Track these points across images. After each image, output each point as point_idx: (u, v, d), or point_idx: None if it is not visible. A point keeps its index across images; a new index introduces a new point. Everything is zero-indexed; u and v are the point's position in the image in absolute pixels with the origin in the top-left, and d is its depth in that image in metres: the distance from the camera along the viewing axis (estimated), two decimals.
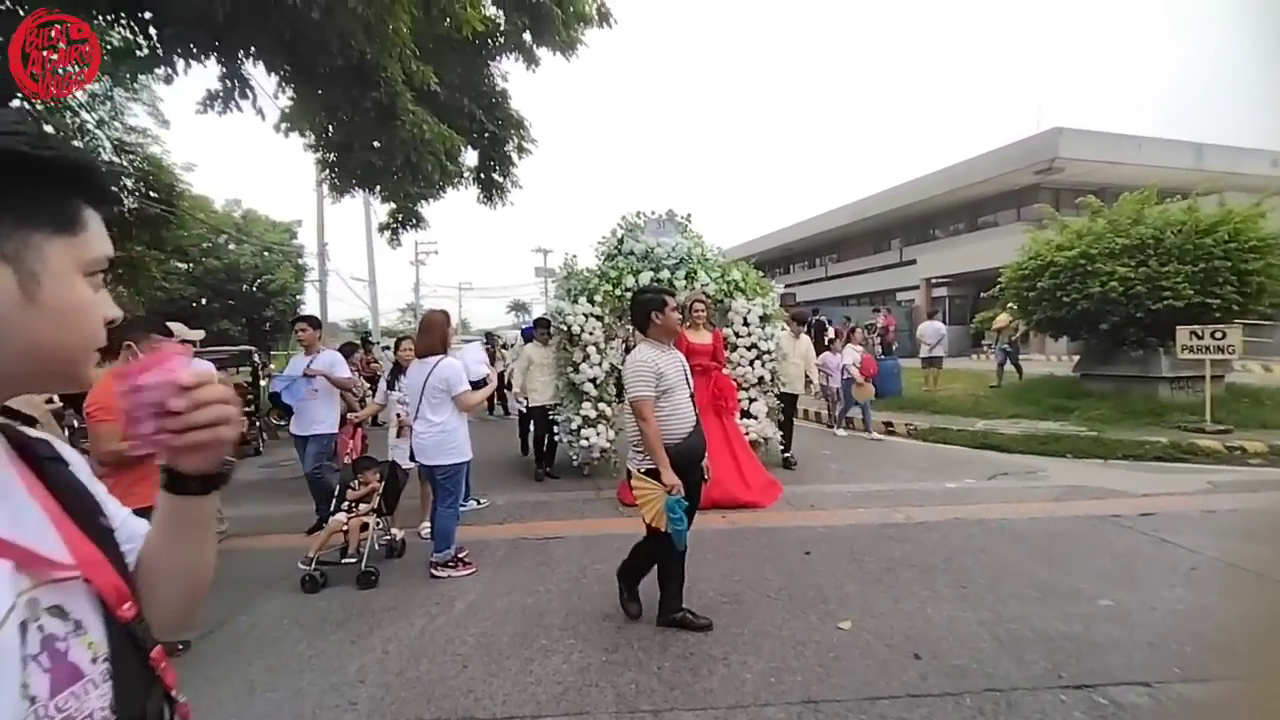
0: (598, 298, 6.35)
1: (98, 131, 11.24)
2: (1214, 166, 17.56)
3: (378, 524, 4.26)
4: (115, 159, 11.33)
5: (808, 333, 7.83)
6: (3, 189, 0.57)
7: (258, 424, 9.35)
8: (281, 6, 5.45)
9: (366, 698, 2.66)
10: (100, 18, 5.84)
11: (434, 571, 4.01)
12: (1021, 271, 10.35)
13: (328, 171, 9.73)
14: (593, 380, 6.28)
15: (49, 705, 0.53)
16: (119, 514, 0.75)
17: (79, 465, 0.73)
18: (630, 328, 6.56)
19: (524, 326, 10.32)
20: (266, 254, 23.51)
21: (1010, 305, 11.49)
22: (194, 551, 0.74)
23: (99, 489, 0.74)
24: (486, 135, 9.79)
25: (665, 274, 6.45)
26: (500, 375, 9.33)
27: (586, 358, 6.27)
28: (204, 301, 21.51)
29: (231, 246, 22.65)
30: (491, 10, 8.24)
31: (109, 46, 6.48)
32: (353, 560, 3.97)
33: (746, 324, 6.47)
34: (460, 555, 4.11)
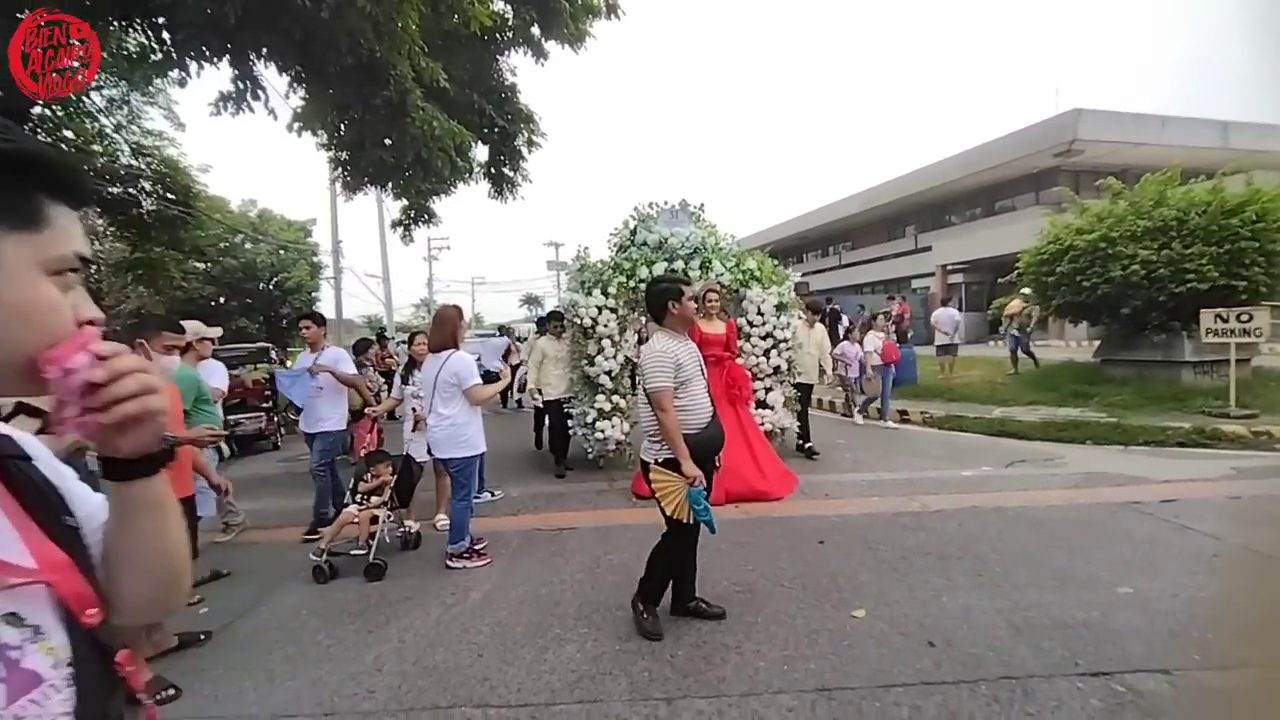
0: (611, 289, 6.30)
1: (116, 135, 11.45)
2: (1241, 145, 17.08)
3: (389, 517, 4.32)
4: (133, 162, 11.54)
5: (822, 321, 7.78)
6: None
7: (275, 419, 9.50)
8: (291, 7, 5.50)
9: (384, 686, 2.71)
10: (115, 23, 5.94)
11: (449, 563, 4.06)
12: (1040, 256, 10.15)
13: (340, 170, 9.84)
14: (608, 373, 6.26)
15: (4, 713, 0.52)
16: (87, 504, 0.71)
17: (44, 459, 0.70)
18: (644, 319, 6.56)
19: (539, 318, 10.35)
20: (282, 252, 23.82)
21: (1023, 290, 11.29)
22: (154, 536, 0.70)
23: (67, 482, 0.71)
24: (496, 130, 9.82)
25: (679, 264, 6.42)
26: (514, 369, 9.38)
27: (601, 350, 6.25)
28: (222, 300, 21.88)
29: (248, 246, 22.97)
30: (499, 5, 8.25)
31: (125, 52, 6.59)
32: (362, 552, 4.04)
33: (761, 313, 6.42)
34: (477, 547, 4.16)
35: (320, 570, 3.96)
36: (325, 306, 23.06)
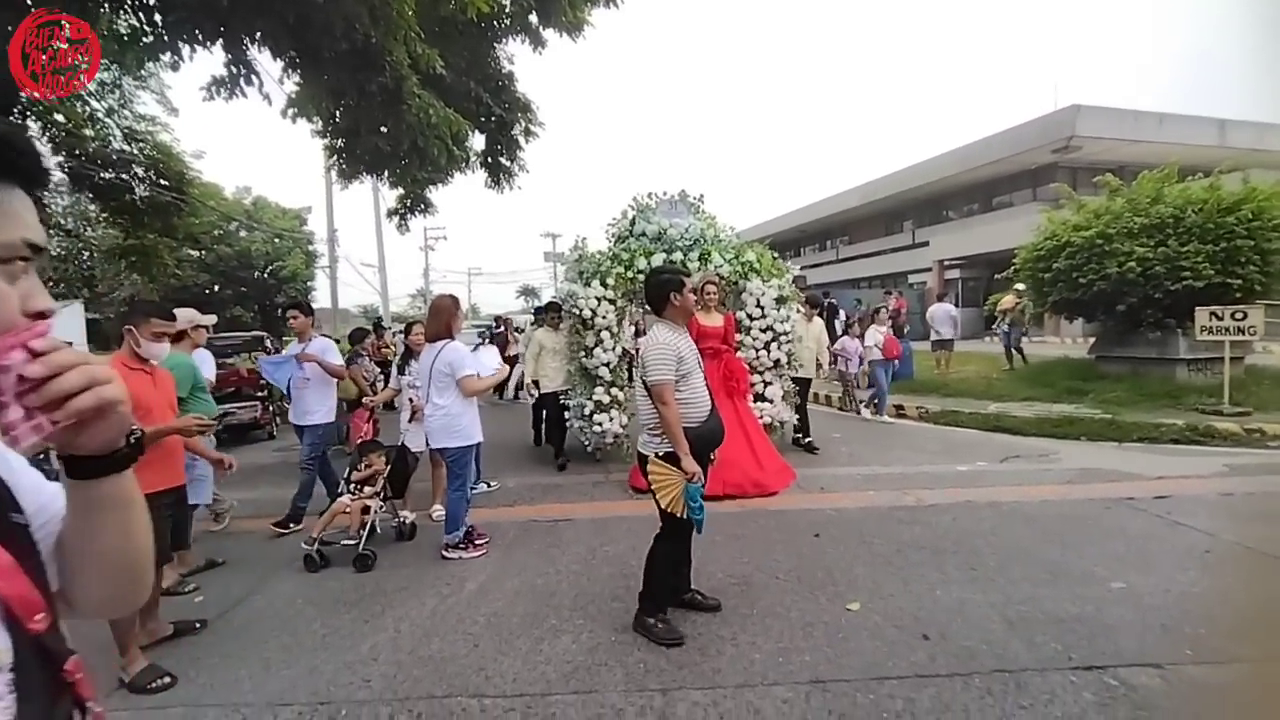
0: (610, 280, 6.25)
1: (108, 120, 11.32)
2: (1238, 143, 17.11)
3: (381, 507, 4.31)
4: (126, 147, 11.41)
5: (820, 315, 7.77)
6: None
7: (270, 409, 9.46)
8: None
9: (379, 675, 2.71)
10: (105, 4, 5.84)
11: (445, 553, 4.06)
12: (1037, 252, 10.17)
13: (335, 157, 9.74)
14: (607, 365, 6.22)
15: None
16: (40, 496, 0.67)
17: None
18: (642, 310, 6.52)
19: (536, 309, 10.31)
20: (277, 240, 23.70)
21: (1017, 286, 11.31)
22: (119, 535, 0.66)
23: (15, 475, 0.66)
24: (493, 119, 9.74)
25: (678, 256, 6.36)
26: (511, 361, 9.35)
27: (600, 342, 6.20)
28: (216, 288, 21.80)
29: (242, 234, 22.85)
30: None
31: (116, 34, 6.49)
32: (353, 542, 4.03)
33: (761, 306, 6.38)
34: (478, 540, 4.16)
35: (311, 559, 3.96)
36: (321, 295, 22.99)
